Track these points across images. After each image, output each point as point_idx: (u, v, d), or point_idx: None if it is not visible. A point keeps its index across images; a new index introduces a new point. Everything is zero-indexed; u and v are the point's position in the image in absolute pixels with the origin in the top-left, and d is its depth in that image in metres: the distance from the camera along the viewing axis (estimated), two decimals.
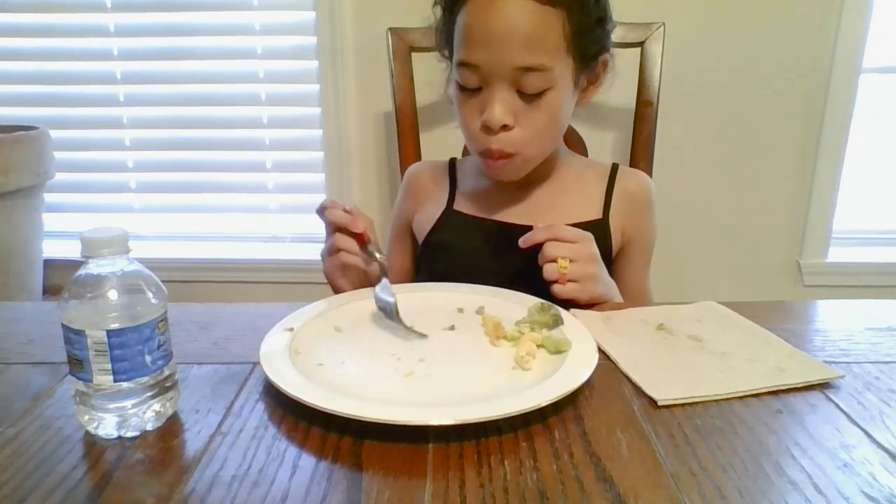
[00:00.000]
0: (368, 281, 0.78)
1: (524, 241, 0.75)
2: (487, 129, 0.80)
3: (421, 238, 0.96)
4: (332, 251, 0.76)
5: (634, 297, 0.93)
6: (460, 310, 0.71)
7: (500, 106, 0.78)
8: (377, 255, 0.75)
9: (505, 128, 0.79)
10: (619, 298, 0.81)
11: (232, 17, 1.57)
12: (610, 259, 0.92)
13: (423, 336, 0.64)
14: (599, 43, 0.83)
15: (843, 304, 0.76)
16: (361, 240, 0.76)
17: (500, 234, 0.88)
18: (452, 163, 0.99)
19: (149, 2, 1.57)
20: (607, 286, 0.79)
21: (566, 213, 0.90)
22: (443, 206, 0.94)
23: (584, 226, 0.88)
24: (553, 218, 0.88)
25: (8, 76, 1.65)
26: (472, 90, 0.80)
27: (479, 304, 0.71)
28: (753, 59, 1.48)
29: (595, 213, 0.90)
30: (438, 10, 0.84)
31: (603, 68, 0.86)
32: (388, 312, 0.67)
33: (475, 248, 0.89)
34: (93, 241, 0.47)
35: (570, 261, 0.73)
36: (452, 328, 0.67)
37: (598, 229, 0.88)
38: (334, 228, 0.76)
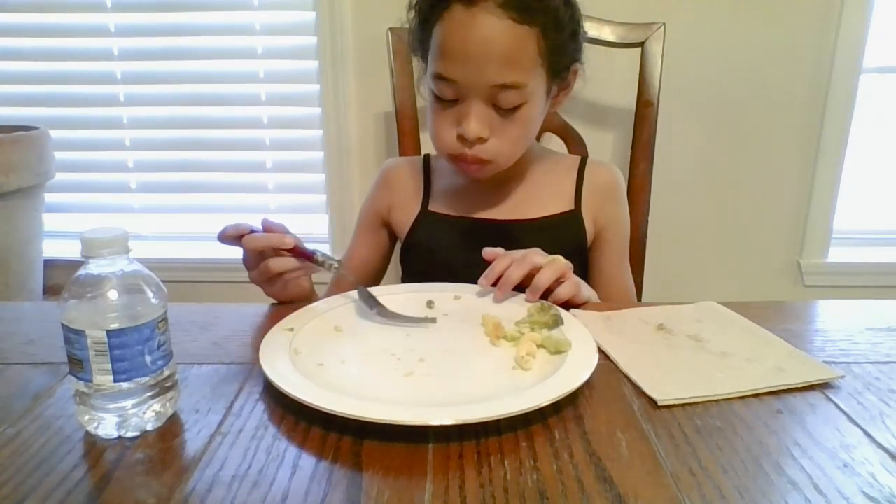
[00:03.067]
0: (309, 287, 0.79)
1: (490, 283, 0.73)
2: (463, 139, 0.81)
3: (400, 239, 0.97)
4: (268, 276, 0.72)
5: (612, 286, 0.95)
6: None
7: (477, 120, 0.80)
8: (332, 262, 0.72)
9: (480, 140, 0.81)
10: (595, 297, 0.83)
11: (232, 17, 1.57)
12: (585, 249, 0.94)
13: (432, 321, 0.67)
14: (572, 56, 0.85)
15: (843, 304, 0.76)
16: (294, 253, 0.72)
17: (476, 231, 0.90)
18: (427, 160, 1.00)
19: (149, 2, 1.57)
20: (586, 285, 0.80)
21: (540, 206, 0.92)
22: (418, 205, 0.95)
23: (557, 217, 0.91)
24: (528, 211, 0.91)
25: (8, 76, 1.65)
26: (447, 101, 0.82)
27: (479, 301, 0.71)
28: (753, 59, 1.48)
29: (567, 205, 0.93)
30: (413, 15, 0.85)
31: (573, 76, 0.88)
32: (386, 311, 0.68)
33: (452, 246, 0.91)
34: (93, 241, 0.47)
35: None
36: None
37: (572, 220, 0.92)
38: (259, 253, 0.72)
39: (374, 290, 0.75)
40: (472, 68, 0.77)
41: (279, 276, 0.72)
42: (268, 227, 0.72)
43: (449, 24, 0.79)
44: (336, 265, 0.73)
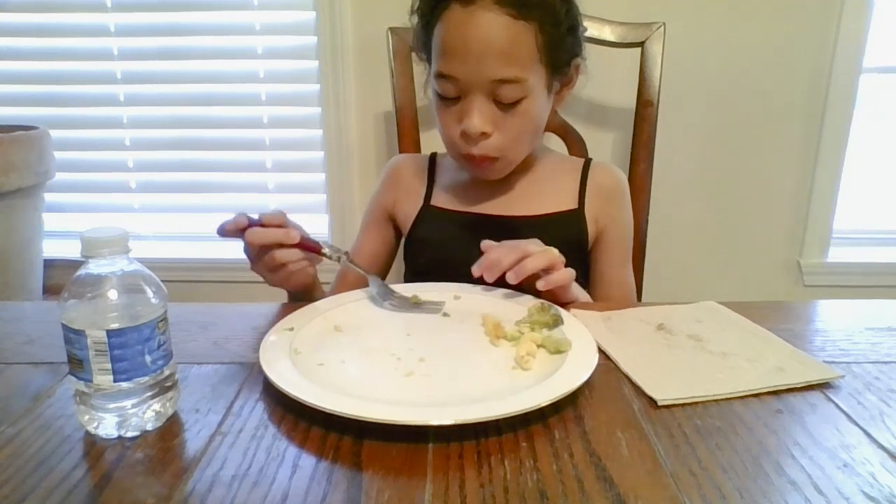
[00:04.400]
0: (313, 275, 0.79)
1: (489, 273, 0.71)
2: (467, 136, 0.82)
3: (403, 233, 0.98)
4: (273, 266, 0.72)
5: (613, 288, 0.95)
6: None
7: (479, 116, 0.81)
8: (339, 254, 0.74)
9: (484, 135, 0.82)
10: (586, 296, 0.83)
11: (232, 17, 1.57)
12: (586, 249, 0.95)
13: (438, 307, 0.70)
14: (571, 50, 0.86)
15: (843, 304, 0.76)
16: (300, 247, 0.72)
17: (478, 226, 0.91)
18: (433, 157, 1.01)
19: (149, 2, 1.57)
20: (577, 286, 0.80)
21: (542, 203, 0.93)
22: (420, 200, 0.96)
23: (560, 215, 0.92)
24: (530, 208, 0.91)
25: (8, 76, 1.65)
26: (451, 99, 0.83)
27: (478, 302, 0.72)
28: (753, 58, 1.48)
29: (570, 204, 0.94)
30: (416, 18, 0.86)
31: (576, 71, 0.89)
32: (403, 302, 0.71)
33: (454, 240, 0.91)
34: (93, 241, 0.47)
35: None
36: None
37: (574, 219, 0.93)
38: (262, 246, 0.71)
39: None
40: (471, 64, 0.79)
41: (283, 266, 0.72)
42: (267, 221, 0.72)
43: (448, 23, 0.80)
44: (343, 256, 0.74)
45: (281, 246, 0.71)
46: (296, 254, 0.72)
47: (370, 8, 1.48)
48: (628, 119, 1.29)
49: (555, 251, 0.73)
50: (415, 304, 0.72)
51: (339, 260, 0.74)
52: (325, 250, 0.73)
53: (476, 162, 0.85)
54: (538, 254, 0.72)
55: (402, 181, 1.00)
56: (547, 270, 0.72)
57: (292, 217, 0.75)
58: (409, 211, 0.97)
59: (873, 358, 0.62)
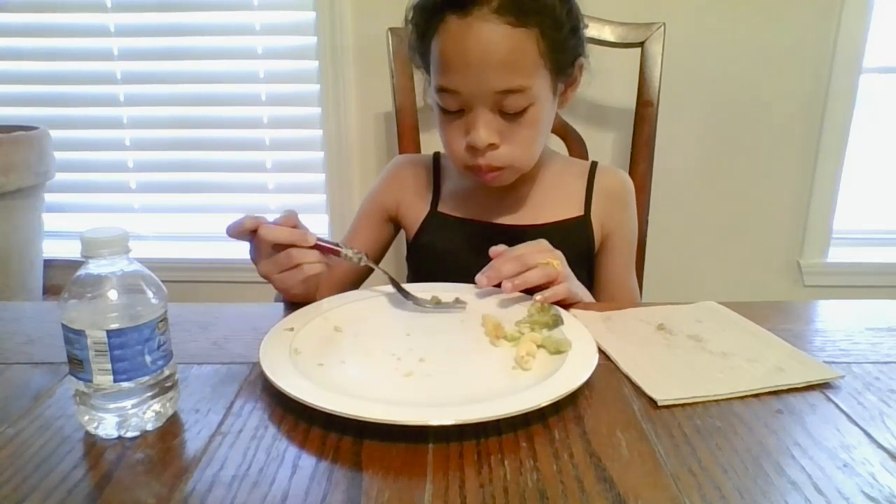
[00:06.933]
0: (318, 283, 0.76)
1: (488, 281, 0.71)
2: (473, 149, 0.81)
3: (408, 238, 0.97)
4: (287, 266, 0.69)
5: (616, 292, 0.95)
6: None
7: (485, 129, 0.79)
8: (359, 255, 0.72)
9: (491, 146, 0.80)
10: (589, 297, 0.82)
11: (232, 17, 1.57)
12: (592, 254, 0.94)
13: (462, 305, 0.71)
14: (574, 51, 0.83)
15: (843, 304, 0.76)
16: (317, 248, 0.70)
17: (484, 235, 0.89)
18: (437, 158, 0.99)
19: (149, 2, 1.57)
20: (579, 285, 0.80)
21: (549, 211, 0.91)
22: (427, 205, 0.95)
23: (566, 223, 0.91)
24: (537, 216, 0.90)
25: (8, 76, 1.65)
26: (454, 112, 0.81)
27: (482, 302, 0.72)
28: (753, 59, 1.48)
29: (577, 211, 0.93)
30: (411, 30, 0.84)
31: (579, 71, 0.87)
32: (424, 302, 0.71)
33: (460, 249, 0.90)
34: (93, 241, 0.47)
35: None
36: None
37: (580, 225, 0.92)
38: (275, 245, 0.69)
39: (375, 291, 0.75)
40: (473, 77, 0.77)
41: (298, 266, 0.69)
42: (283, 222, 0.69)
43: (446, 36, 0.78)
44: (364, 257, 0.73)
45: (295, 246, 0.68)
46: (313, 254, 0.69)
47: (370, 8, 1.48)
48: (628, 119, 1.29)
49: (557, 263, 0.73)
50: (436, 304, 0.71)
51: (359, 261, 0.72)
52: (345, 251, 0.71)
53: (483, 172, 0.83)
54: (538, 268, 0.71)
55: (407, 184, 0.98)
56: (546, 283, 0.72)
57: None
58: (414, 215, 0.95)
59: (873, 358, 0.62)
